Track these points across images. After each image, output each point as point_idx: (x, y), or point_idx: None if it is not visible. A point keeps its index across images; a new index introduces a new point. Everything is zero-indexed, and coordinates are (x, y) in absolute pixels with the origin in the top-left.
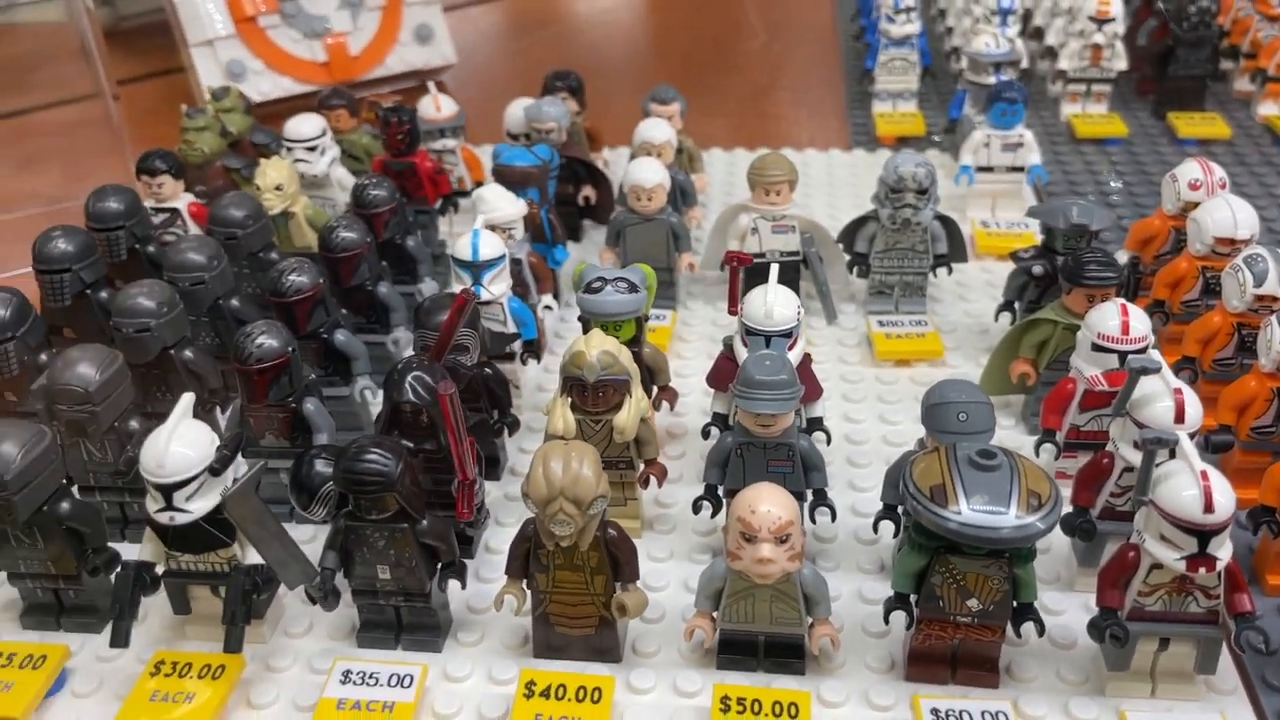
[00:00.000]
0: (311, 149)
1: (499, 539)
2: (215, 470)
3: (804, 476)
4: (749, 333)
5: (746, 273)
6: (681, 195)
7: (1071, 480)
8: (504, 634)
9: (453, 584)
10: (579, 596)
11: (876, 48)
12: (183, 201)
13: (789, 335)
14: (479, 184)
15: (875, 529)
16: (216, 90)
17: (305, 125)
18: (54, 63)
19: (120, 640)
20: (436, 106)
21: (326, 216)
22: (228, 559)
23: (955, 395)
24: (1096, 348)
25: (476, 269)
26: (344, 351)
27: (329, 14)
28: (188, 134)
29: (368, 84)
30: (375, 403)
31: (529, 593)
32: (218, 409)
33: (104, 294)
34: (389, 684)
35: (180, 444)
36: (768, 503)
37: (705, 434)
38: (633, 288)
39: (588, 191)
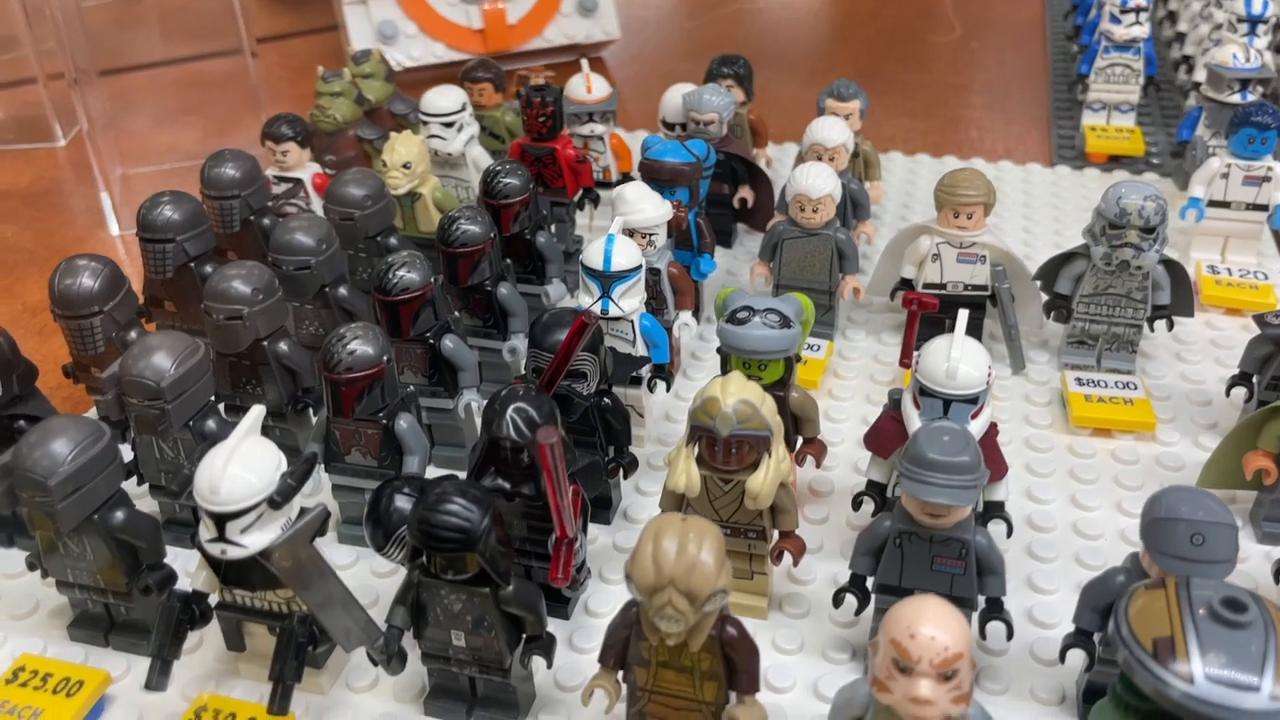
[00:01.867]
0: (448, 124)
1: (601, 599)
2: (275, 503)
3: (977, 581)
4: (923, 393)
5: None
6: (853, 207)
7: None
8: None
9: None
10: (683, 701)
11: (1095, 51)
12: (308, 172)
13: (974, 402)
14: (626, 175)
15: (1062, 658)
16: (357, 54)
17: (444, 98)
18: (204, 14)
19: (156, 683)
20: (588, 87)
21: (456, 200)
22: (286, 599)
23: (1189, 511)
24: None
25: (607, 280)
26: (451, 360)
27: None
28: (321, 99)
29: (522, 55)
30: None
31: (624, 687)
32: (310, 410)
33: (209, 268)
34: None
35: (240, 467)
36: (932, 625)
37: (856, 504)
38: (785, 322)
39: (745, 193)
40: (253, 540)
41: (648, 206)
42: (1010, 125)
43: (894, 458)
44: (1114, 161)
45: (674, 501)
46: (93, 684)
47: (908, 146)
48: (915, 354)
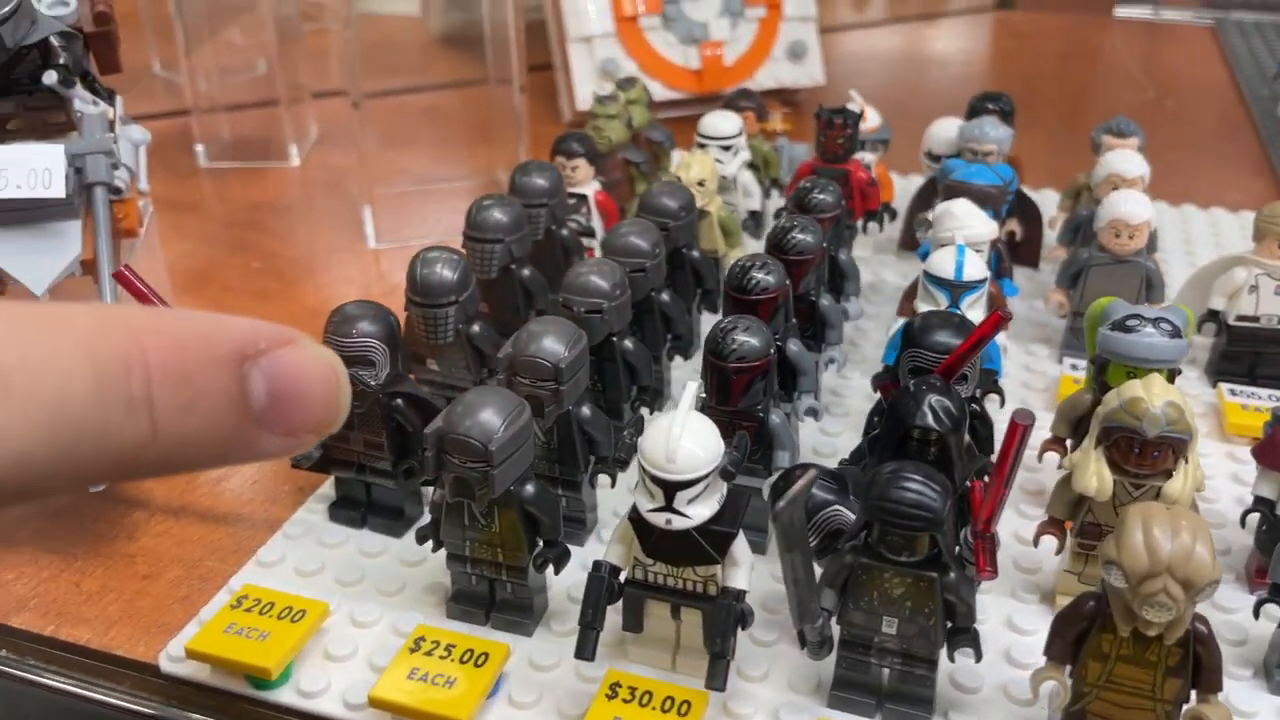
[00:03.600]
0: (726, 148)
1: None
2: (729, 474)
3: None
4: None
5: None
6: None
7: None
8: None
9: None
10: (1138, 699)
11: None
12: (591, 188)
13: None
14: (886, 205)
15: None
16: (623, 81)
17: (724, 123)
18: (407, 51)
19: (587, 651)
20: (863, 117)
21: (736, 221)
22: (705, 578)
23: None
24: None
25: (957, 290)
26: (795, 364)
27: (710, 20)
28: (598, 120)
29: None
30: (807, 426)
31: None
32: (644, 410)
33: (526, 271)
34: None
35: (691, 440)
36: None
37: (1243, 522)
38: (1175, 331)
39: (1013, 225)
40: (697, 512)
41: (977, 223)
42: (1235, 176)
43: None
44: None
45: (1069, 505)
46: (497, 657)
47: None
48: None
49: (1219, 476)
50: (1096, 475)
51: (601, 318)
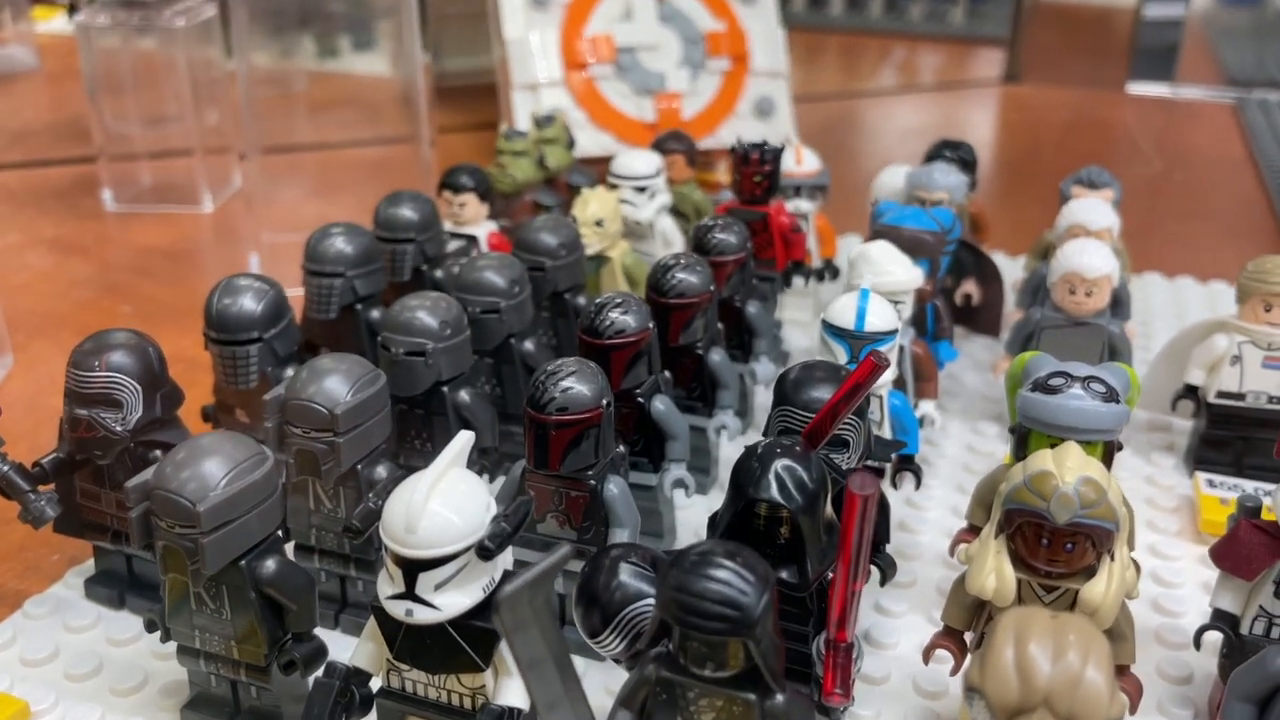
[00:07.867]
0: (641, 189)
1: None
2: (487, 551)
3: None
4: None
5: None
6: (1114, 304)
7: None
8: None
9: None
10: None
11: None
12: (483, 229)
13: None
14: (828, 262)
15: None
16: (541, 118)
17: (639, 162)
18: (374, 107)
19: None
20: (798, 159)
21: (646, 270)
22: (473, 690)
23: None
24: None
25: (858, 343)
26: (661, 426)
27: (667, 71)
28: (502, 157)
29: None
30: (685, 506)
31: None
32: (485, 476)
33: (376, 313)
34: None
35: (443, 503)
36: None
37: (1198, 642)
38: (1111, 394)
39: (970, 288)
40: (448, 601)
41: (896, 269)
42: (1243, 250)
43: (1259, 578)
44: None
45: (966, 611)
46: None
47: (1133, 266)
48: None
49: (1188, 585)
50: (995, 572)
51: (426, 361)
